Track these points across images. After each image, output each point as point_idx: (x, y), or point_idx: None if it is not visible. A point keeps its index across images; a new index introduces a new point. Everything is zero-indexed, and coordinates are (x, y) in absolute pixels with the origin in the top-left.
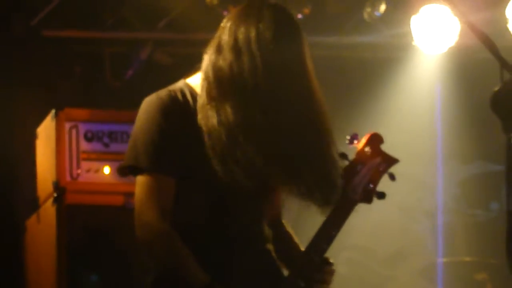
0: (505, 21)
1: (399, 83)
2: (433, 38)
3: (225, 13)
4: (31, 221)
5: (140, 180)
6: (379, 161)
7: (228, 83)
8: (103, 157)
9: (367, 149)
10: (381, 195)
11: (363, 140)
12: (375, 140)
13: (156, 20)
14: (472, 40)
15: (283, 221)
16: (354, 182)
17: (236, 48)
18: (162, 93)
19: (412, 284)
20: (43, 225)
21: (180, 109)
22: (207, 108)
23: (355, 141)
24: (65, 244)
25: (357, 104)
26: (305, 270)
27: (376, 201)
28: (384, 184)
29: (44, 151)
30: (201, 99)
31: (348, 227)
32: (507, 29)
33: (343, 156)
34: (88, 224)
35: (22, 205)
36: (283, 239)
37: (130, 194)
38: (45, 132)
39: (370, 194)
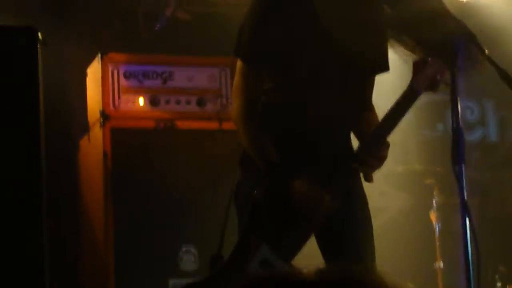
0: None
1: None
2: None
3: None
4: (83, 141)
5: (239, 66)
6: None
7: None
8: (138, 91)
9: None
10: (448, 83)
11: None
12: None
13: None
14: None
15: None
16: (423, 73)
17: None
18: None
19: (377, 187)
20: (92, 144)
21: (286, 3)
22: None
23: None
24: (110, 158)
25: None
26: (370, 147)
27: None
28: None
29: (93, 87)
30: None
31: None
32: None
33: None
34: (127, 143)
35: (76, 129)
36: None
37: (159, 120)
38: (93, 71)
39: (436, 84)
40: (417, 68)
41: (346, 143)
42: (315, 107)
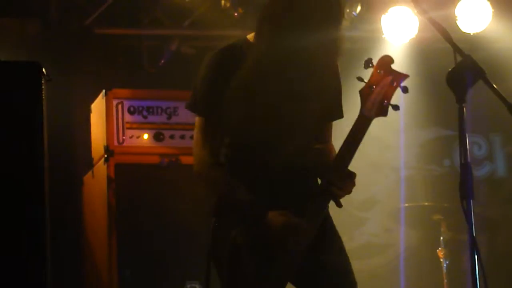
0: (454, 18)
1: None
2: (398, 32)
3: (235, 14)
4: (87, 177)
5: (197, 121)
6: (391, 79)
7: None
8: (143, 126)
9: (379, 70)
10: (396, 107)
11: (376, 64)
12: (386, 61)
13: (182, 20)
14: (429, 32)
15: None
16: (370, 101)
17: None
18: (221, 47)
19: (381, 223)
20: (96, 180)
21: (234, 59)
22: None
23: (370, 65)
24: (114, 194)
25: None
26: (333, 179)
27: (352, 161)
28: (360, 146)
29: (97, 122)
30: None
31: None
32: (456, 25)
33: (360, 79)
34: (132, 178)
35: (80, 165)
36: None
37: (163, 155)
38: (97, 107)
39: (385, 108)
40: (364, 96)
41: (312, 180)
42: (274, 155)
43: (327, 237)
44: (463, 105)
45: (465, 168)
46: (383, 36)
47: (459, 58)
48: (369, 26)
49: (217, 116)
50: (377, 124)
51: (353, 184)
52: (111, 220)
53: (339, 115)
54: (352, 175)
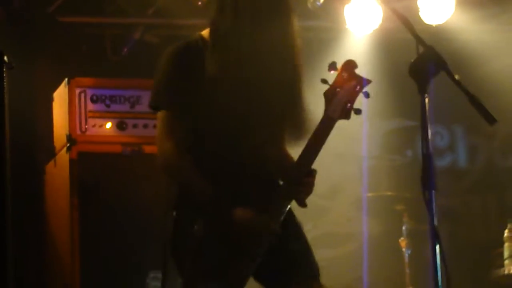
0: (417, 9)
1: (335, 57)
2: (361, 23)
3: (199, 3)
4: (49, 166)
5: (159, 116)
6: (355, 83)
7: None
8: (105, 115)
9: (343, 74)
10: (358, 111)
11: (340, 67)
12: (350, 65)
13: (146, 8)
14: (392, 23)
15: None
16: (334, 103)
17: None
18: (178, 43)
19: (345, 213)
20: (58, 169)
21: (192, 54)
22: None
23: (334, 68)
24: (76, 183)
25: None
26: (295, 179)
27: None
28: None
29: (59, 111)
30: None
31: None
32: (419, 16)
33: (324, 81)
34: (94, 167)
35: (42, 154)
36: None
37: (126, 144)
38: (60, 96)
39: (348, 111)
40: (328, 97)
41: (276, 178)
42: (237, 151)
43: (286, 225)
44: (425, 95)
45: (427, 159)
46: (346, 26)
47: (421, 49)
48: (332, 16)
49: (179, 109)
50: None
51: (313, 184)
52: (73, 209)
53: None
54: (313, 173)
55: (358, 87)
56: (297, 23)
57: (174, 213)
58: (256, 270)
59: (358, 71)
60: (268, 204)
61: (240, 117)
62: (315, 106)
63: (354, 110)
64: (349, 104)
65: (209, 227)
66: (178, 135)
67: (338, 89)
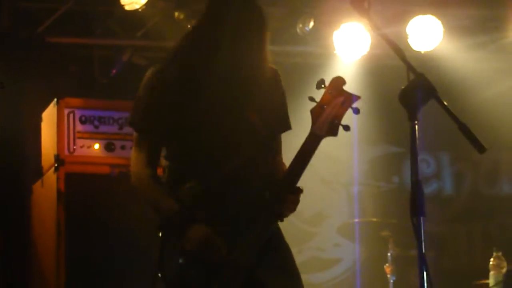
0: (406, 36)
1: None
2: (350, 49)
3: (189, 26)
4: (37, 186)
5: (134, 136)
6: (342, 99)
7: None
8: (94, 136)
9: (331, 91)
10: (347, 128)
11: (328, 85)
12: (338, 82)
13: (135, 30)
14: (380, 50)
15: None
16: (320, 120)
17: None
18: (152, 67)
19: (330, 238)
20: (46, 188)
21: (162, 78)
22: None
23: (322, 86)
24: (63, 203)
25: (290, 101)
26: (280, 195)
27: (303, 176)
28: (311, 161)
29: (48, 131)
30: None
31: None
32: (407, 42)
33: (312, 99)
34: (82, 188)
35: (30, 173)
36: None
37: (114, 165)
38: (48, 116)
39: (335, 128)
40: (315, 114)
41: (260, 193)
42: (215, 166)
43: (271, 252)
44: (415, 122)
45: (416, 186)
46: (334, 52)
47: (412, 76)
48: (321, 42)
49: (152, 130)
50: (327, 139)
51: (297, 202)
52: (59, 229)
53: (287, 126)
54: (298, 191)
55: (346, 103)
56: (269, 43)
57: (160, 234)
58: None
59: None
60: (248, 226)
61: (218, 133)
62: (304, 132)
63: (343, 127)
64: (336, 120)
65: (177, 245)
66: (148, 155)
67: (325, 106)
